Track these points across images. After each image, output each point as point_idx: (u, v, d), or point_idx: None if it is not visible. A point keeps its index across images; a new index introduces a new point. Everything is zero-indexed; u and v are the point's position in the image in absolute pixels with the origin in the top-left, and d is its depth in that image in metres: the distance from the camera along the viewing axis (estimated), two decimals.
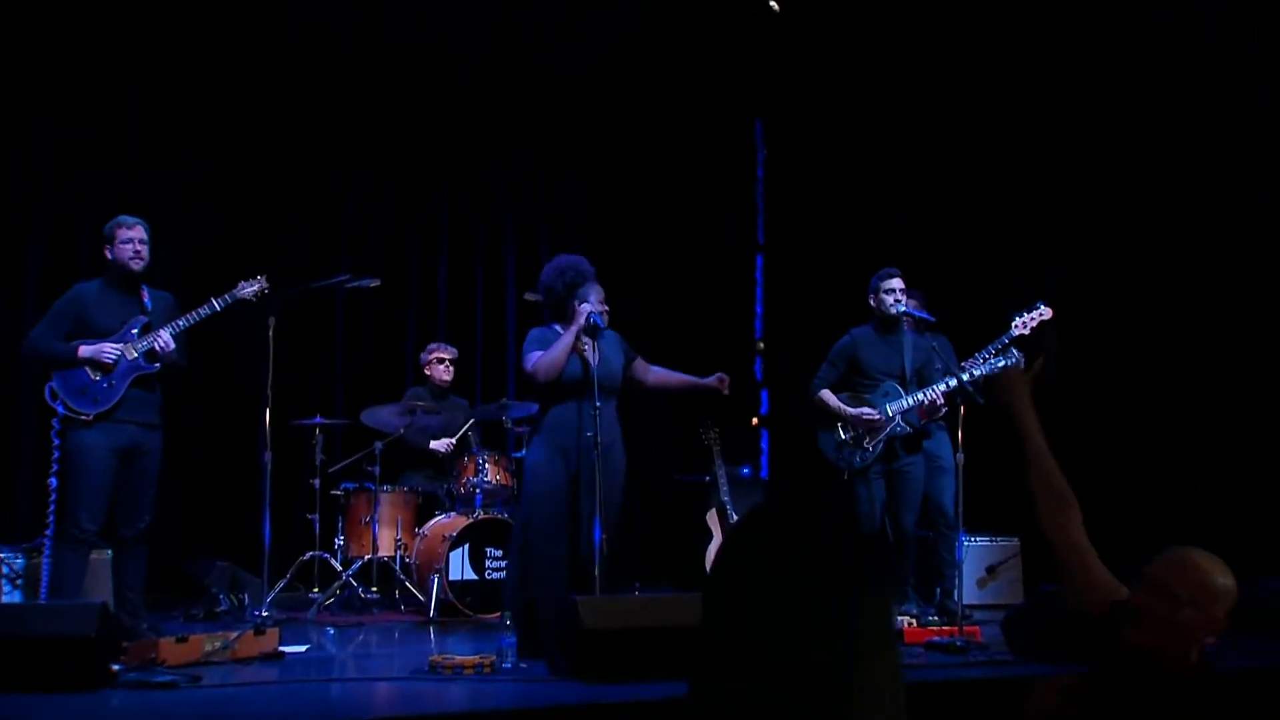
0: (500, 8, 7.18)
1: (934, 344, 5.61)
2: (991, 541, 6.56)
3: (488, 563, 5.97)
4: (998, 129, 7.11)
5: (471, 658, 4.12)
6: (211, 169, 7.06)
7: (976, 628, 4.85)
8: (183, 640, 4.22)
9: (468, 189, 8.04)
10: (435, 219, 7.97)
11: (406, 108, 7.57)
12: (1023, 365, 4.79)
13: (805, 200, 8.05)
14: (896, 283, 5.63)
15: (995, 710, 3.74)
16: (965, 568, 5.66)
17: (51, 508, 4.78)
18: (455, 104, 7.70)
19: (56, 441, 4.80)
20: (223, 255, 6.58)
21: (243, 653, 4.34)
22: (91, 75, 6.78)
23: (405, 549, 6.20)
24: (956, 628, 4.73)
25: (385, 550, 6.21)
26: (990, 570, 6.53)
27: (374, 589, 6.19)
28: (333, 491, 6.45)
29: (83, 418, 4.78)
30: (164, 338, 4.92)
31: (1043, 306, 5.48)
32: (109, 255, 4.98)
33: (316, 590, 6.19)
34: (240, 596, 6.02)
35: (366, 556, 6.16)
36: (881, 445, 5.58)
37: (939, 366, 5.61)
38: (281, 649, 4.52)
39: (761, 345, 8.50)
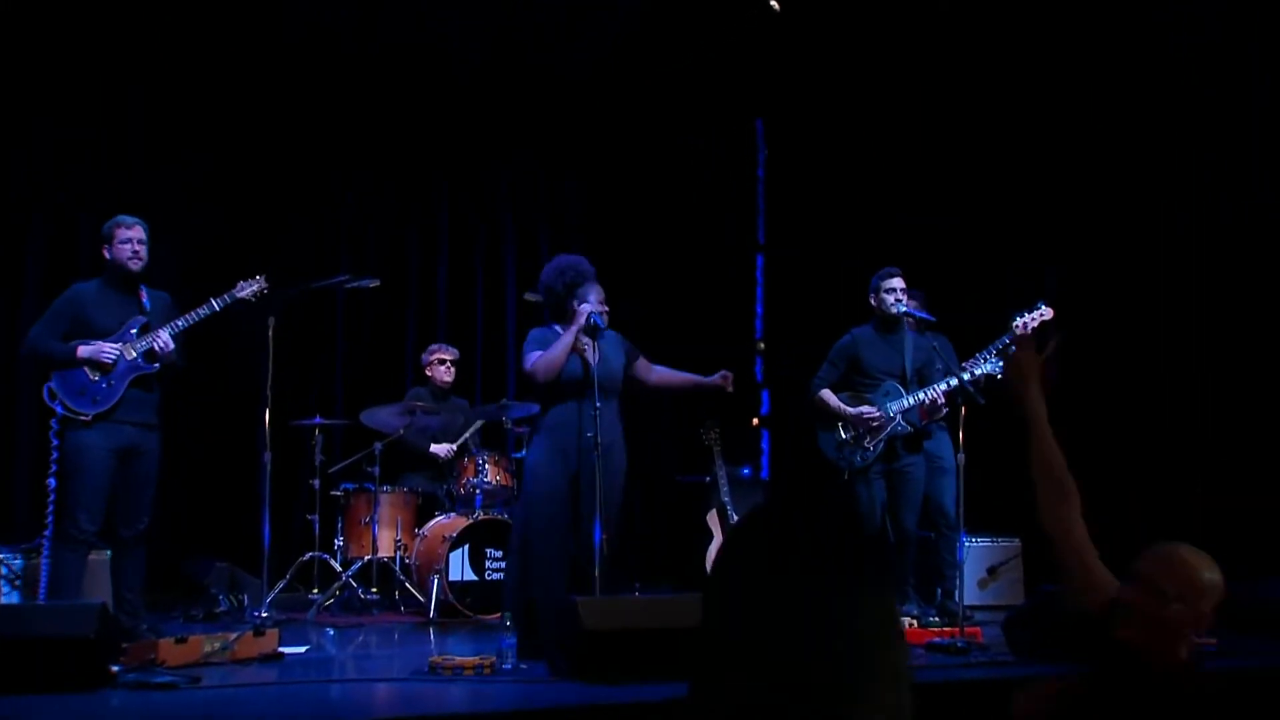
0: (500, 8, 7.18)
1: (934, 344, 5.62)
2: (992, 542, 6.56)
3: (488, 563, 5.96)
4: (997, 129, 7.11)
5: (471, 659, 4.12)
6: (211, 169, 7.06)
7: (977, 629, 4.85)
8: (182, 641, 4.22)
9: (468, 189, 8.03)
10: (435, 219, 7.97)
11: (406, 108, 7.57)
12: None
13: (806, 200, 8.05)
14: (897, 282, 5.63)
15: (996, 711, 3.73)
16: (966, 568, 5.66)
17: (50, 508, 4.77)
18: (455, 104, 7.70)
19: (55, 442, 4.79)
20: (223, 255, 6.57)
21: (242, 654, 4.33)
22: (91, 75, 6.78)
23: (405, 550, 6.19)
24: (957, 628, 4.73)
25: (385, 551, 6.20)
26: (991, 571, 6.53)
27: (374, 590, 6.19)
28: (332, 492, 6.45)
29: (81, 418, 4.77)
30: (163, 338, 4.91)
31: (1043, 306, 5.47)
32: (107, 255, 4.97)
33: (316, 591, 6.18)
34: (240, 597, 6.02)
35: (366, 557, 6.15)
36: (882, 445, 5.58)
37: (940, 367, 5.60)
38: (281, 650, 4.51)
39: (762, 345, 8.50)
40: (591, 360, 4.70)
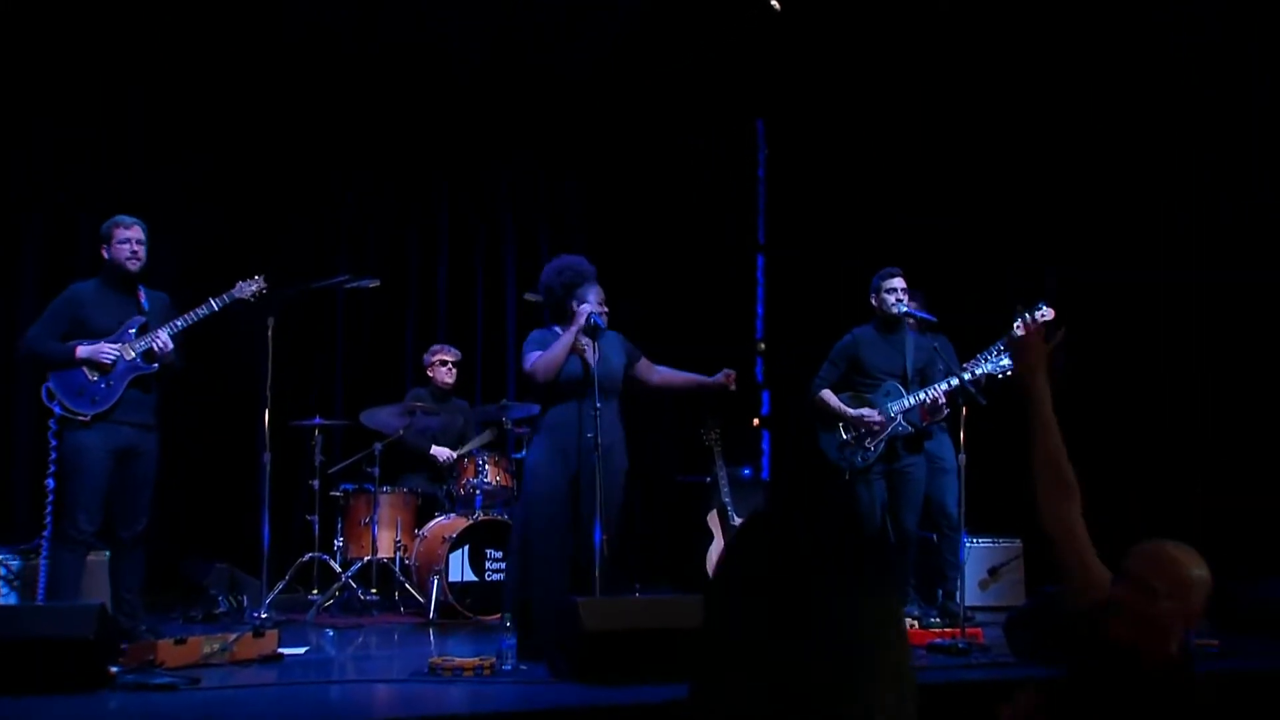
0: (500, 8, 7.17)
1: (935, 344, 5.61)
2: (994, 543, 6.55)
3: (487, 564, 5.96)
4: (998, 129, 7.11)
5: (471, 660, 4.11)
6: (211, 169, 7.06)
7: (978, 629, 4.85)
8: (181, 642, 4.21)
9: (468, 189, 8.03)
10: (435, 219, 7.96)
11: (406, 108, 7.56)
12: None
13: (806, 200, 8.05)
14: (898, 282, 5.62)
15: (997, 713, 3.73)
16: (967, 569, 5.65)
17: (49, 509, 4.76)
18: (455, 104, 7.69)
19: (54, 442, 4.78)
20: (222, 255, 6.56)
21: (241, 655, 4.32)
22: (91, 75, 6.77)
23: (405, 550, 6.19)
24: (958, 629, 4.72)
25: (385, 552, 6.19)
26: (992, 572, 6.52)
27: (373, 591, 6.18)
28: (332, 493, 6.44)
29: (80, 418, 4.76)
30: (162, 338, 4.90)
31: (1045, 307, 5.47)
32: (106, 255, 4.96)
33: (316, 592, 6.16)
34: (239, 598, 6.00)
35: (366, 558, 6.14)
36: (883, 445, 5.57)
37: (941, 367, 5.60)
38: (280, 651, 4.51)
39: (762, 345, 8.50)
40: (591, 360, 4.69)
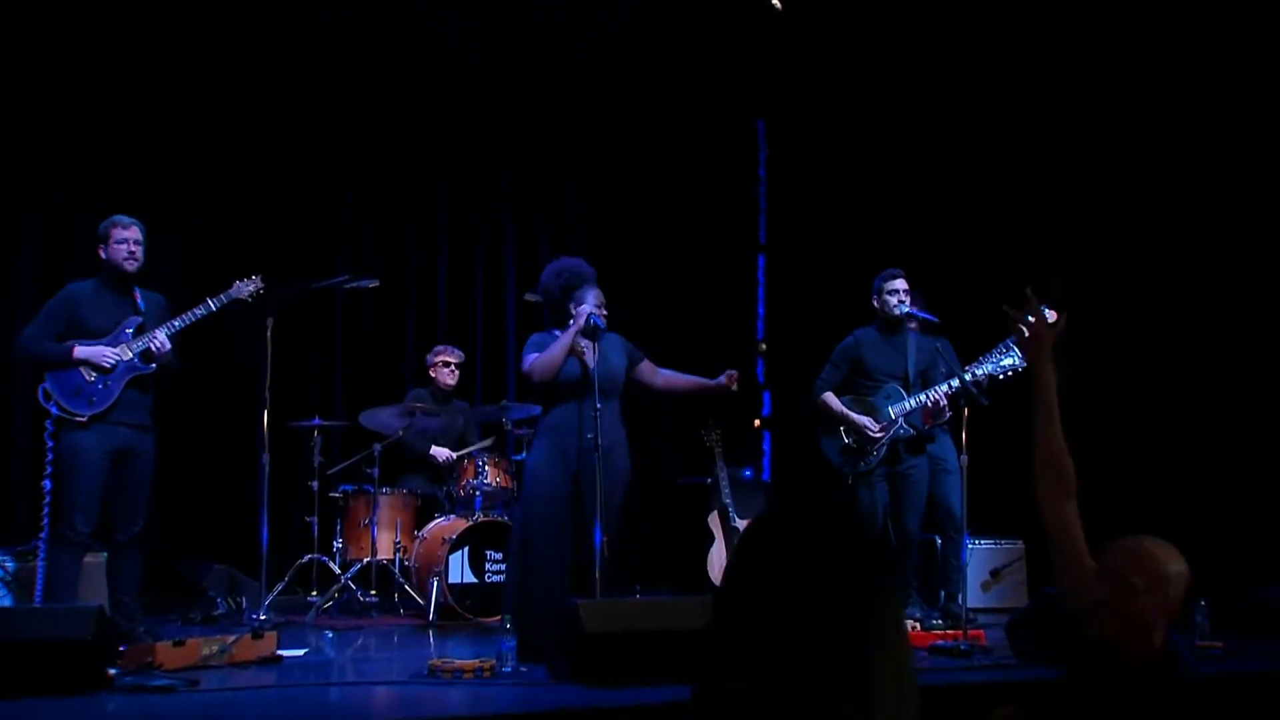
0: (500, 8, 7.17)
1: (937, 345, 5.59)
2: (996, 545, 6.54)
3: (487, 565, 5.94)
4: (998, 129, 7.10)
5: (471, 661, 4.10)
6: (211, 169, 7.06)
7: (981, 631, 4.84)
8: (180, 644, 4.20)
9: (468, 189, 8.02)
10: (435, 219, 7.96)
11: (406, 108, 7.56)
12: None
13: (807, 200, 8.04)
14: (900, 283, 5.61)
15: None
16: (969, 571, 5.64)
17: (46, 510, 4.75)
18: (455, 104, 7.69)
19: (50, 443, 4.77)
20: (222, 255, 6.56)
21: (240, 656, 4.32)
22: (91, 75, 6.77)
23: (404, 552, 6.18)
24: (961, 631, 4.72)
25: (384, 553, 6.18)
26: (994, 573, 6.51)
27: (373, 592, 6.17)
28: (331, 494, 6.43)
29: (77, 419, 4.75)
30: (160, 338, 4.89)
31: (1046, 309, 5.45)
32: (103, 255, 4.95)
33: (315, 593, 6.15)
34: (238, 600, 5.99)
35: (365, 559, 6.13)
36: (885, 448, 5.56)
37: (943, 369, 5.58)
38: (279, 653, 4.50)
39: (763, 346, 8.49)
40: (590, 361, 4.68)
